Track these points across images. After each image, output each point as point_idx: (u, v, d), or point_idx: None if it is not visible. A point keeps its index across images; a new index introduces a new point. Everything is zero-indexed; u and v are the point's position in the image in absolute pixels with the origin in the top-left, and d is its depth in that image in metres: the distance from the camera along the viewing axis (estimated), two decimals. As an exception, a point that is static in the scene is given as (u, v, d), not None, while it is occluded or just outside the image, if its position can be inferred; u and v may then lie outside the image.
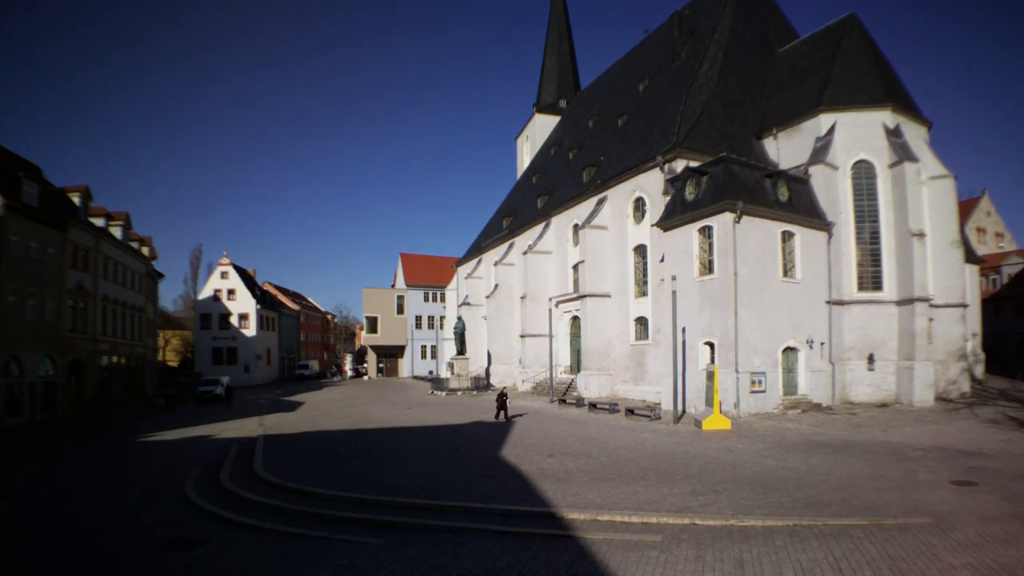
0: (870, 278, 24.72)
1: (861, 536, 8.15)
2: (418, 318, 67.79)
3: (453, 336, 41.42)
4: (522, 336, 37.65)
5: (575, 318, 33.43)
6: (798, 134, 26.70)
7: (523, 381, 36.95)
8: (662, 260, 25.10)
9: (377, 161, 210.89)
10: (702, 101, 28.19)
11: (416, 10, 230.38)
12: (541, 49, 63.14)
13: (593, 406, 25.29)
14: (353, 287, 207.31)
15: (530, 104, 62.36)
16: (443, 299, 63.26)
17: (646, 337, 28.35)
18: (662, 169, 26.74)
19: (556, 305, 34.64)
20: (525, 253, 38.44)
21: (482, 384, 38.94)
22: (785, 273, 22.80)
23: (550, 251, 37.77)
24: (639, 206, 29.26)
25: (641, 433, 18.35)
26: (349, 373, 77.76)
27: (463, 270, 52.66)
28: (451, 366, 39.75)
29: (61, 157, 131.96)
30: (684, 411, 21.75)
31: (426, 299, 68.21)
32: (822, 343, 23.56)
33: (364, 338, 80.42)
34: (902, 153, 24.18)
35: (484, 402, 30.97)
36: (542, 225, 38.79)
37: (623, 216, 30.21)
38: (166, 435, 23.34)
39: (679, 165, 25.63)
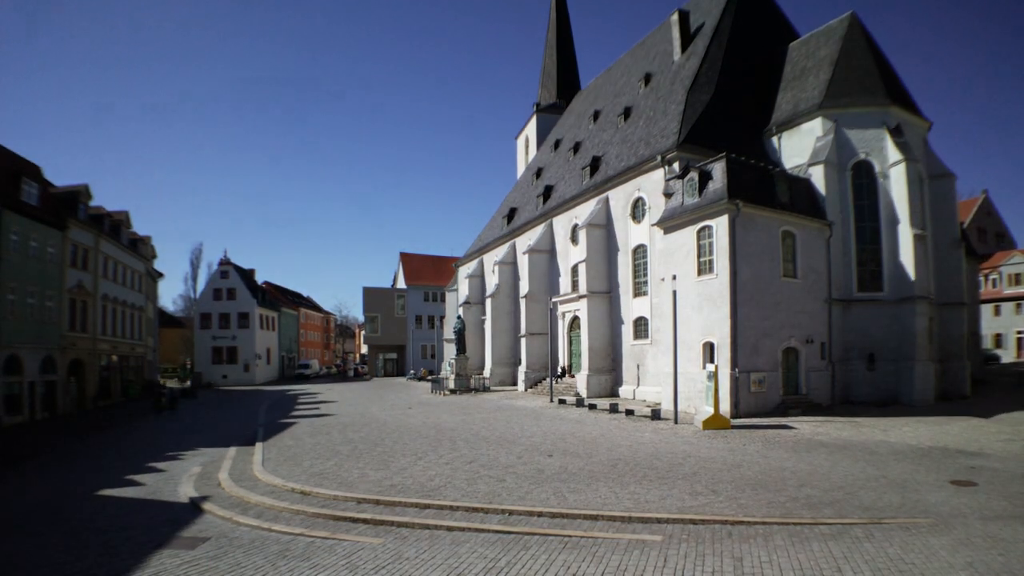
0: (870, 277, 24.70)
1: (861, 536, 8.14)
2: (418, 318, 67.87)
3: (453, 336, 41.43)
4: (522, 336, 37.63)
5: (575, 318, 33.41)
6: (799, 133, 26.69)
7: (523, 381, 36.95)
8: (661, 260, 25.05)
9: (377, 160, 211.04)
10: (702, 100, 28.17)
11: (415, 9, 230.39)
12: (541, 48, 63.21)
13: (593, 406, 25.28)
14: (353, 286, 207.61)
15: (530, 103, 62.37)
16: (443, 299, 63.30)
17: (646, 337, 28.34)
18: (663, 168, 26.72)
19: (556, 305, 34.63)
20: (525, 253, 38.44)
21: (482, 384, 38.92)
22: (785, 273, 22.78)
23: (550, 251, 37.78)
24: (639, 206, 29.25)
25: (641, 433, 18.33)
26: (350, 372, 77.88)
27: (463, 270, 52.65)
28: (451, 366, 39.75)
29: (61, 156, 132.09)
30: (684, 411, 21.73)
31: (426, 299, 68.28)
32: (822, 343, 23.55)
33: (364, 338, 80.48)
34: (903, 152, 24.17)
35: (484, 402, 30.96)
36: (542, 225, 38.78)
37: (623, 216, 30.21)
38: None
39: (679, 164, 25.63)
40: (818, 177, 24.63)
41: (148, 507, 11.67)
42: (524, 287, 38.03)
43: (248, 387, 56.00)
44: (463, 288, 51.16)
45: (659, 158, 26.81)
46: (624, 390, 29.79)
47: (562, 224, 36.59)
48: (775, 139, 28.01)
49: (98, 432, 24.33)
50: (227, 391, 50.29)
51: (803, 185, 24.53)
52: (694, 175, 23.26)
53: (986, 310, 46.35)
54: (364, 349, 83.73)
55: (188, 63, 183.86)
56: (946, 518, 8.89)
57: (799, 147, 26.47)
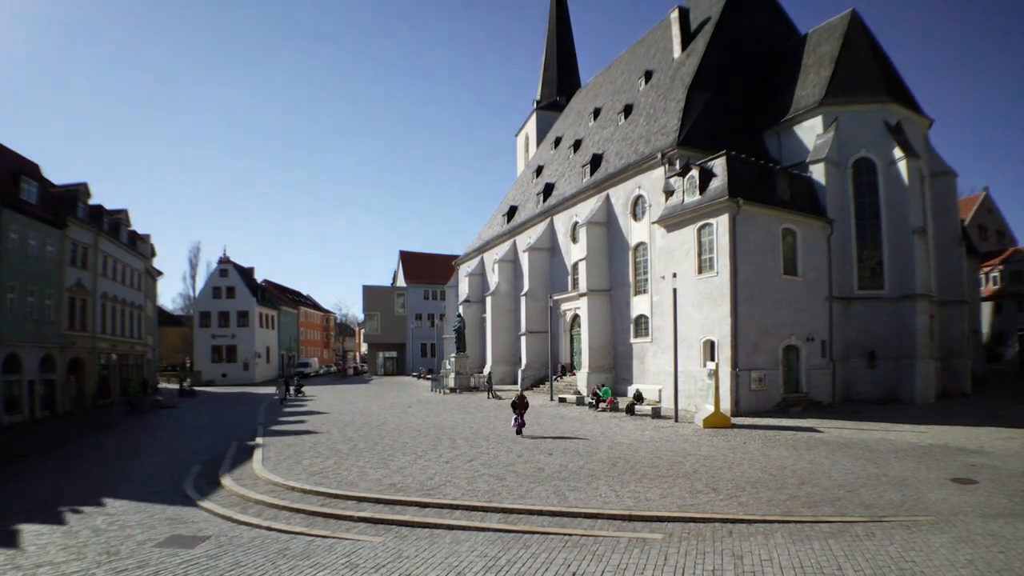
0: (871, 275, 24.66)
1: (862, 534, 8.12)
2: (418, 316, 67.85)
3: (453, 334, 41.40)
4: (522, 334, 37.60)
5: (575, 316, 33.38)
6: (799, 131, 26.62)
7: (523, 379, 36.93)
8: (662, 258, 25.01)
9: (377, 158, 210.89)
10: (703, 98, 28.10)
11: (415, 6, 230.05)
12: (541, 45, 63.11)
13: (593, 404, 25.27)
14: (353, 285, 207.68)
15: (530, 100, 62.30)
16: (443, 297, 63.29)
17: (646, 335, 28.31)
18: (663, 166, 26.67)
19: (556, 303, 34.59)
20: (526, 251, 38.39)
21: (482, 383, 38.87)
22: (786, 270, 22.75)
23: (551, 249, 37.72)
24: (639, 203, 29.19)
25: (641, 431, 18.34)
26: (349, 371, 78.05)
27: (464, 268, 52.63)
28: (451, 364, 39.70)
29: (60, 154, 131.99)
30: (684, 409, 21.70)
31: (426, 297, 68.28)
32: (823, 341, 23.52)
33: (364, 336, 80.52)
34: (903, 150, 24.11)
35: (484, 400, 30.97)
36: (542, 223, 38.73)
37: (623, 213, 30.16)
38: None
39: (680, 162, 25.57)
40: (819, 175, 24.57)
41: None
42: (525, 285, 37.98)
43: (243, 387, 55.88)
44: (463, 286, 51.13)
45: (659, 156, 26.74)
46: (624, 388, 29.74)
47: (563, 222, 36.53)
48: (776, 136, 27.95)
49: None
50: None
51: (804, 183, 24.48)
52: (695, 173, 23.21)
53: (986, 308, 46.28)
54: (364, 348, 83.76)
55: (186, 61, 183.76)
56: (947, 516, 8.88)
57: (800, 144, 26.41)
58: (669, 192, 25.19)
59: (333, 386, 49.56)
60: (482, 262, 48.70)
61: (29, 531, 10.08)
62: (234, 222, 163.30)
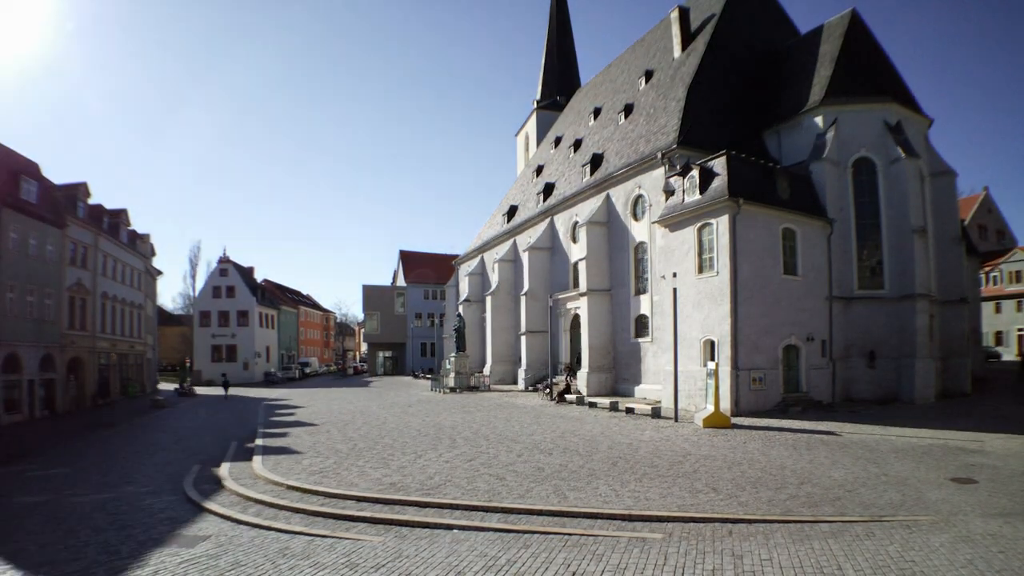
0: (871, 275, 24.65)
1: (861, 534, 8.12)
2: (418, 315, 67.89)
3: (453, 334, 41.43)
4: (522, 334, 37.59)
5: (575, 316, 33.38)
6: (799, 130, 26.61)
7: (523, 379, 36.93)
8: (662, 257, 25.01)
9: (377, 158, 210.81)
10: (703, 97, 28.09)
11: (415, 6, 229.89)
12: (541, 44, 63.14)
13: (593, 404, 25.28)
14: (353, 284, 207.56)
15: (530, 100, 62.28)
16: (443, 296, 63.32)
17: (646, 335, 28.30)
18: (663, 166, 26.66)
19: (556, 303, 34.56)
20: (526, 251, 38.38)
21: (482, 383, 38.89)
22: (786, 270, 22.75)
23: (551, 248, 37.72)
24: (639, 203, 29.19)
25: (641, 431, 18.33)
26: (349, 370, 78.12)
27: (464, 268, 52.64)
28: (451, 364, 39.72)
29: (60, 154, 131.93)
30: (684, 409, 21.70)
31: (426, 297, 68.35)
32: (823, 340, 23.51)
33: (364, 336, 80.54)
34: (903, 150, 24.09)
35: (484, 400, 30.96)
36: (542, 222, 38.71)
37: (624, 213, 30.15)
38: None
39: (680, 161, 25.56)
40: (819, 174, 24.56)
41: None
42: (525, 285, 37.96)
43: (243, 386, 55.91)
44: (463, 286, 51.13)
45: (660, 155, 26.73)
46: (624, 387, 29.76)
47: (563, 221, 36.51)
48: (776, 136, 27.94)
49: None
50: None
51: (804, 182, 24.47)
52: (695, 172, 23.19)
53: (987, 307, 46.31)
54: (364, 347, 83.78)
55: (186, 60, 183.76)
56: (946, 516, 8.87)
57: (800, 143, 26.38)
58: (669, 192, 25.17)
59: (332, 387, 49.55)
60: (482, 262, 48.68)
61: (29, 531, 10.09)
62: (234, 222, 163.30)
